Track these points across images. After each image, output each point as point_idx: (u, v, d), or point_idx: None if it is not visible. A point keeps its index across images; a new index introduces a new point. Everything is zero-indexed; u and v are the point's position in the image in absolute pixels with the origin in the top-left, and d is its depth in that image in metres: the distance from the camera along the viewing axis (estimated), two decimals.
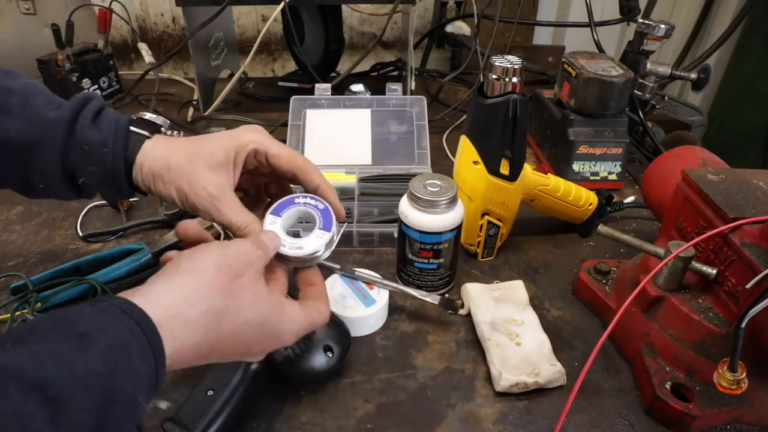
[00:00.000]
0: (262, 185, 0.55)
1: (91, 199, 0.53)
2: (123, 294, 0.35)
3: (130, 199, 0.82)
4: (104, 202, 0.82)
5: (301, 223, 0.50)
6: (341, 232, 0.49)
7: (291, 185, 0.54)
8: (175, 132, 0.54)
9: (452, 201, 0.60)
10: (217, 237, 0.69)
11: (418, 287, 0.64)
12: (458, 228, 0.62)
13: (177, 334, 0.34)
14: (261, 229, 0.47)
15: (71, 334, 0.30)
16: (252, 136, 0.50)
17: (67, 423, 0.27)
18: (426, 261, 0.63)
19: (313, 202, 0.50)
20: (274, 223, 0.47)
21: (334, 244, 0.48)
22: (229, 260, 0.39)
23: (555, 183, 0.72)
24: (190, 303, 0.36)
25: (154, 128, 0.51)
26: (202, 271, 0.38)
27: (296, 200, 0.49)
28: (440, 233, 0.60)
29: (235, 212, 0.47)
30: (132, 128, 0.50)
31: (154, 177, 0.48)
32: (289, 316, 0.42)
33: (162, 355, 0.33)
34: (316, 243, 0.47)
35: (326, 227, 0.48)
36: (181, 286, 0.37)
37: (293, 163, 0.50)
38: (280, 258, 0.46)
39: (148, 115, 0.53)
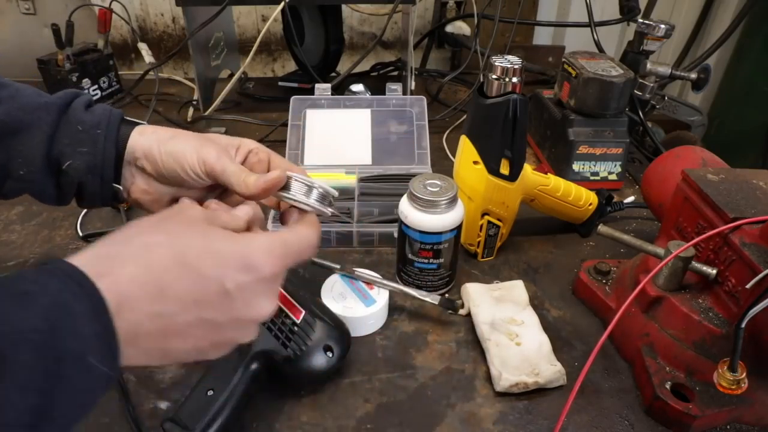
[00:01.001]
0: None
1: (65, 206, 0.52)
2: (68, 257, 0.33)
3: None
4: None
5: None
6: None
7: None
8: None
9: (452, 201, 0.60)
10: None
11: (418, 287, 0.64)
12: (458, 228, 0.62)
13: (105, 272, 0.32)
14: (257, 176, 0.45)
15: (13, 293, 0.29)
16: (255, 143, 0.51)
17: (11, 380, 0.26)
18: (426, 261, 0.63)
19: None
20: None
21: (323, 195, 0.46)
22: (161, 213, 0.40)
23: (555, 183, 0.72)
24: (113, 242, 0.35)
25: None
26: (136, 222, 0.37)
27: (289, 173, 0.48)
28: (440, 233, 0.60)
29: (238, 165, 0.47)
30: (125, 117, 0.51)
31: (159, 143, 0.48)
32: (250, 237, 0.39)
33: (102, 303, 0.31)
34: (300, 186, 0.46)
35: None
36: (112, 237, 0.36)
37: (210, 166, 0.47)
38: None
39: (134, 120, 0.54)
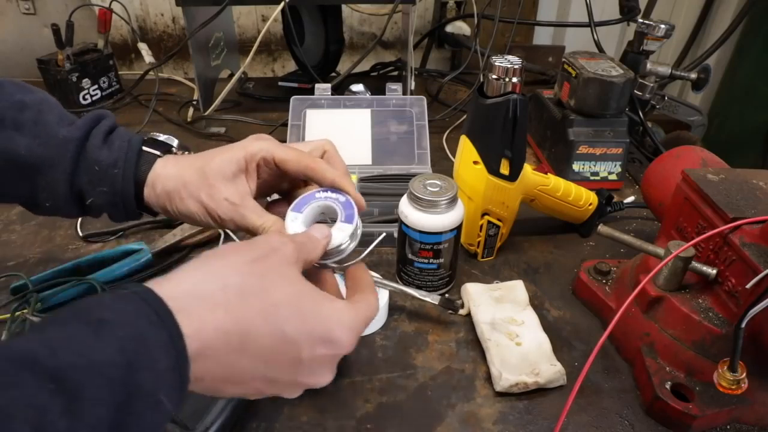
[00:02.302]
0: (287, 189, 0.55)
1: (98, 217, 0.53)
2: (147, 282, 0.32)
3: None
4: None
5: (324, 220, 0.49)
6: (379, 240, 0.48)
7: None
8: (186, 152, 0.53)
9: (452, 201, 0.60)
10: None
11: (418, 287, 0.64)
12: (458, 228, 0.62)
13: (194, 313, 0.31)
14: (278, 228, 0.46)
15: (89, 321, 0.28)
16: (259, 145, 0.49)
17: (83, 417, 0.25)
18: (426, 261, 0.63)
19: (334, 195, 0.48)
20: (296, 220, 0.46)
21: (358, 237, 0.46)
22: (251, 245, 0.37)
23: (555, 183, 0.72)
24: (206, 281, 0.33)
25: (165, 148, 0.52)
26: (222, 253, 0.36)
27: (317, 195, 0.48)
28: (440, 233, 0.60)
29: (258, 215, 0.47)
30: (144, 148, 0.50)
31: (169, 196, 0.48)
32: (336, 309, 0.37)
33: (183, 345, 0.30)
34: (340, 235, 0.44)
35: (348, 220, 0.46)
36: (198, 269, 0.34)
37: (302, 165, 0.49)
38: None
39: (161, 136, 0.53)
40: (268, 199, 0.55)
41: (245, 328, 0.33)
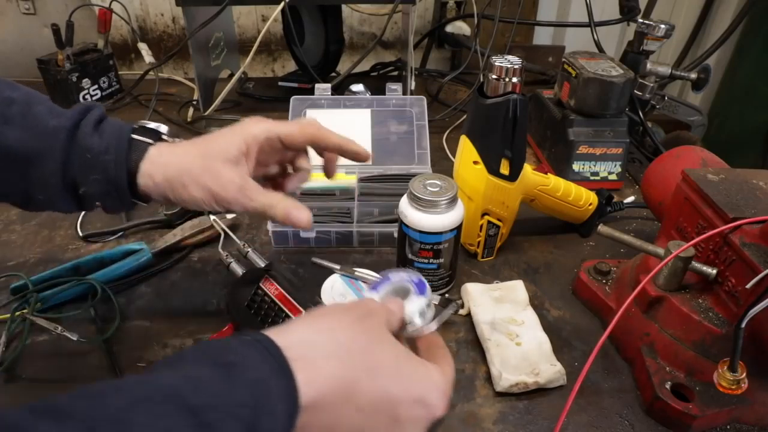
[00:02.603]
0: (287, 162, 0.57)
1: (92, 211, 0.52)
2: (265, 331, 0.34)
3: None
4: None
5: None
6: (447, 314, 0.50)
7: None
8: (176, 139, 0.53)
9: (452, 201, 0.60)
10: (217, 238, 0.69)
11: None
12: (458, 228, 0.62)
13: (308, 363, 0.33)
14: (288, 204, 0.49)
15: (219, 363, 0.30)
16: (260, 127, 0.51)
17: None
18: (426, 261, 0.63)
19: (407, 276, 0.52)
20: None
21: (433, 310, 0.50)
22: (353, 305, 0.40)
23: (555, 183, 0.72)
24: (318, 335, 0.36)
25: (156, 136, 0.51)
26: (328, 311, 0.39)
27: (391, 277, 0.52)
28: (440, 233, 0.60)
29: (262, 194, 0.49)
30: (134, 136, 0.49)
31: (171, 184, 0.48)
32: (430, 372, 0.39)
33: (297, 395, 0.31)
34: (416, 307, 0.49)
35: (421, 292, 0.50)
36: (309, 324, 0.37)
37: (307, 134, 0.52)
38: None
39: (150, 124, 0.53)
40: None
41: (352, 382, 0.34)
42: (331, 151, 0.54)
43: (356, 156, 0.55)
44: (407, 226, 0.61)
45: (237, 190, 0.48)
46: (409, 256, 0.63)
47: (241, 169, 0.49)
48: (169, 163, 0.48)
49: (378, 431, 0.36)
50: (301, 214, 0.50)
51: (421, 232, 0.60)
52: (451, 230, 0.61)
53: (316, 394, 0.32)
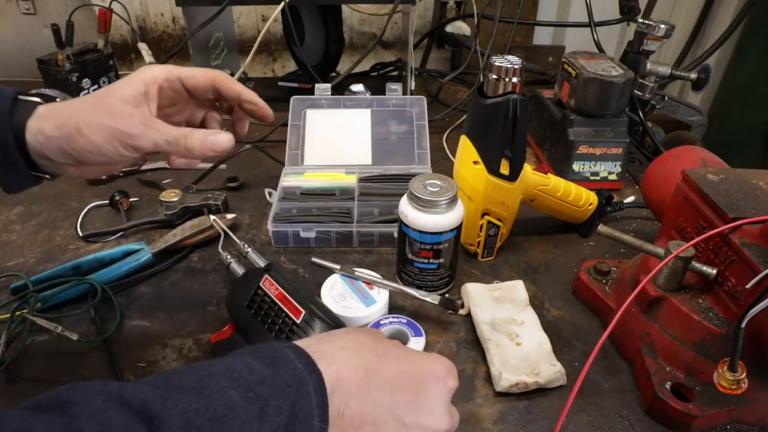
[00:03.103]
0: (195, 120, 0.55)
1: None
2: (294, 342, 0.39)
3: (131, 199, 0.82)
4: (104, 201, 0.82)
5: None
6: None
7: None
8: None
9: (452, 201, 0.60)
10: (217, 238, 0.69)
11: (418, 287, 0.64)
12: (458, 228, 0.62)
13: (327, 357, 0.37)
14: (203, 133, 0.47)
15: (263, 356, 0.35)
16: (158, 69, 0.49)
17: (268, 422, 0.31)
18: (426, 261, 0.63)
19: (396, 320, 0.59)
20: None
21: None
22: (355, 329, 0.47)
23: (555, 183, 0.72)
24: (332, 336, 0.42)
25: (48, 99, 0.47)
26: (335, 330, 0.46)
27: (382, 323, 0.59)
28: (440, 233, 0.60)
29: (171, 127, 0.46)
30: (20, 97, 0.45)
31: (64, 132, 0.44)
32: (431, 355, 0.44)
33: (324, 387, 0.35)
34: (417, 348, 0.56)
35: (418, 334, 0.58)
36: (322, 335, 0.43)
37: (209, 77, 0.50)
38: None
39: (49, 91, 0.50)
40: None
41: (365, 365, 0.39)
42: (232, 98, 0.52)
43: (255, 111, 0.53)
44: (407, 226, 0.61)
45: (141, 122, 0.45)
46: (409, 256, 0.63)
47: (141, 109, 0.46)
48: (59, 113, 0.45)
49: (406, 412, 0.39)
50: (219, 136, 0.47)
51: (421, 232, 0.60)
52: (451, 230, 0.61)
53: (337, 376, 0.36)
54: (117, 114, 0.44)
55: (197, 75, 0.50)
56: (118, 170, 0.49)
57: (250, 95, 0.53)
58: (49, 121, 0.44)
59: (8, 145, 0.44)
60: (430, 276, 0.64)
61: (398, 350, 0.42)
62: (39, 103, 0.45)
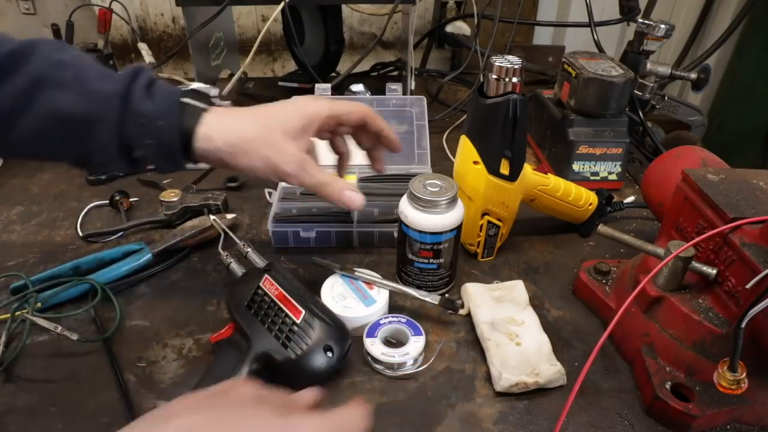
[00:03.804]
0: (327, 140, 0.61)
1: (145, 173, 0.54)
2: None
3: (131, 199, 0.82)
4: (104, 201, 0.82)
5: (392, 339, 0.60)
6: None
7: None
8: (225, 103, 0.55)
9: (452, 201, 0.60)
10: (217, 238, 0.69)
11: (418, 287, 0.64)
12: (458, 228, 0.62)
13: None
14: (343, 185, 0.54)
15: None
16: (320, 105, 0.54)
17: None
18: (426, 261, 0.63)
19: (396, 320, 0.59)
20: (374, 344, 0.56)
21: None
22: (212, 391, 0.36)
23: (555, 183, 0.72)
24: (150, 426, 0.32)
25: (206, 100, 0.52)
26: (181, 400, 0.34)
27: (381, 322, 0.59)
28: (440, 233, 0.60)
29: (321, 173, 0.52)
30: (185, 100, 0.51)
31: (233, 149, 0.50)
32: (303, 417, 0.34)
33: None
34: (416, 348, 0.56)
35: (418, 333, 0.58)
36: (151, 414, 0.33)
37: (362, 114, 0.56)
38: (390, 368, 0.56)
39: (196, 85, 0.54)
40: None
41: None
42: (373, 133, 0.58)
43: (391, 144, 0.61)
44: (407, 226, 0.61)
45: (297, 164, 0.51)
46: (409, 256, 0.63)
47: (300, 143, 0.52)
48: (229, 129, 0.50)
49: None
50: (354, 195, 0.54)
51: (421, 232, 0.60)
52: (452, 230, 0.61)
53: None
54: (281, 152, 0.50)
55: (354, 112, 0.56)
56: None
57: (390, 132, 0.59)
58: (219, 135, 0.50)
59: (176, 149, 0.50)
60: (430, 276, 0.64)
61: (243, 419, 0.32)
62: (204, 109, 0.51)
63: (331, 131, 0.59)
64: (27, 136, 0.48)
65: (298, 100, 0.54)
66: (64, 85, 0.47)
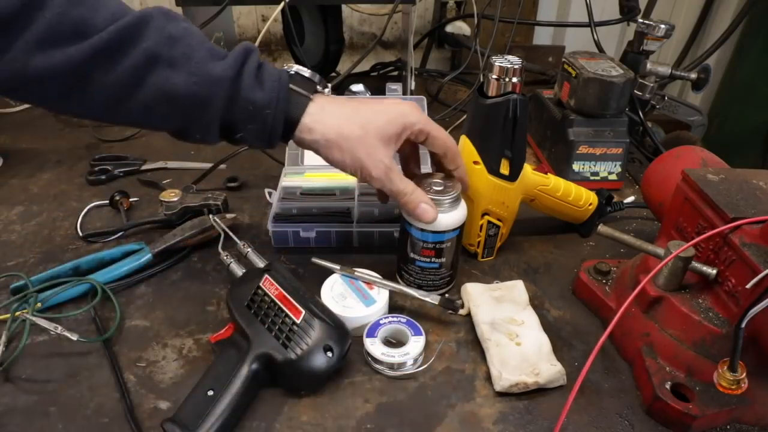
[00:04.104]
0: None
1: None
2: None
3: (131, 199, 0.82)
4: (104, 201, 0.82)
5: (391, 340, 0.60)
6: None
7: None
8: (326, 89, 0.56)
9: (456, 200, 0.60)
10: (217, 238, 0.69)
11: (419, 287, 0.64)
12: (461, 227, 0.62)
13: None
14: (421, 197, 0.56)
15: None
16: (417, 117, 0.55)
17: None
18: (428, 260, 0.63)
19: (396, 319, 0.60)
20: (375, 343, 0.56)
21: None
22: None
23: (555, 183, 0.72)
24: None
25: (311, 86, 0.54)
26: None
27: (381, 322, 0.59)
28: (443, 232, 0.60)
29: (402, 180, 0.55)
30: (292, 87, 0.52)
31: (328, 143, 0.52)
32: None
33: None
34: (416, 348, 0.56)
35: (418, 333, 0.58)
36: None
37: (447, 145, 0.58)
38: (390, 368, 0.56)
39: (299, 68, 0.55)
40: None
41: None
42: (447, 167, 0.60)
43: (459, 183, 0.62)
44: (410, 224, 0.61)
45: (384, 170, 0.53)
46: (411, 255, 0.63)
47: (390, 149, 0.54)
48: (329, 123, 0.53)
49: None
50: (428, 210, 0.56)
51: (423, 230, 0.60)
52: (454, 229, 0.61)
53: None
54: (372, 156, 0.53)
55: (441, 138, 0.57)
56: None
57: (464, 174, 0.61)
58: (319, 127, 0.53)
59: (277, 135, 0.53)
60: (432, 275, 0.64)
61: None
62: (309, 98, 0.53)
63: (412, 145, 0.60)
64: (136, 109, 0.50)
65: (400, 105, 0.56)
66: (176, 63, 0.48)
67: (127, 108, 0.50)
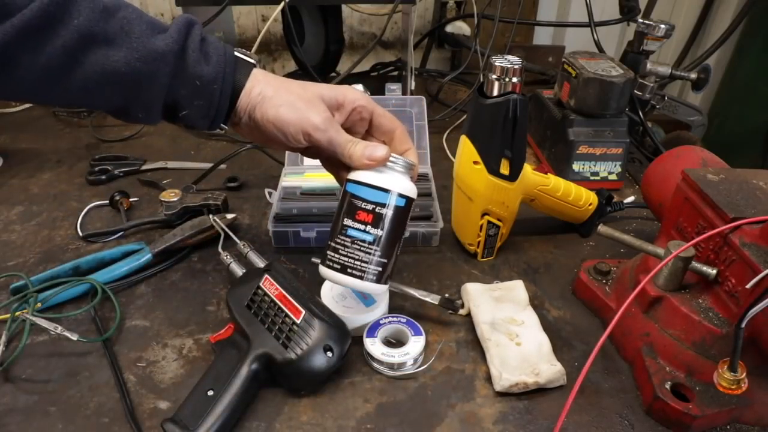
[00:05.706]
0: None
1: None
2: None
3: (131, 199, 0.82)
4: (104, 201, 0.82)
5: (392, 340, 0.60)
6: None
7: None
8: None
9: (408, 169, 0.54)
10: (217, 238, 0.69)
11: (344, 268, 0.53)
12: (408, 201, 0.54)
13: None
14: (367, 143, 0.53)
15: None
16: (360, 95, 0.55)
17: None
18: (362, 228, 0.52)
19: (396, 319, 0.60)
20: (375, 343, 0.56)
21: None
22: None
23: (555, 183, 0.72)
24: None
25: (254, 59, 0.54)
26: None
27: (381, 322, 0.59)
28: (388, 191, 0.52)
29: (345, 134, 0.53)
30: (238, 54, 0.52)
31: (264, 99, 0.51)
32: None
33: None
34: (416, 347, 0.57)
35: (418, 333, 0.58)
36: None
37: (394, 124, 0.57)
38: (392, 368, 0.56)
39: (237, 50, 0.55)
40: None
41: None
42: (397, 147, 0.58)
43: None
44: (352, 181, 0.53)
45: (327, 119, 0.52)
46: (344, 221, 0.53)
47: (330, 111, 0.53)
48: (270, 82, 0.52)
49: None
50: (379, 147, 0.53)
51: (365, 185, 0.52)
52: (401, 196, 0.53)
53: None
54: (313, 106, 0.51)
55: (386, 116, 0.57)
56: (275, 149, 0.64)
57: (414, 156, 0.58)
58: (261, 87, 0.51)
59: (223, 110, 0.51)
60: (361, 252, 0.53)
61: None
62: (254, 65, 0.53)
63: (366, 131, 0.59)
64: (72, 91, 0.47)
65: (341, 86, 0.56)
66: (114, 40, 0.45)
67: (63, 89, 0.46)
